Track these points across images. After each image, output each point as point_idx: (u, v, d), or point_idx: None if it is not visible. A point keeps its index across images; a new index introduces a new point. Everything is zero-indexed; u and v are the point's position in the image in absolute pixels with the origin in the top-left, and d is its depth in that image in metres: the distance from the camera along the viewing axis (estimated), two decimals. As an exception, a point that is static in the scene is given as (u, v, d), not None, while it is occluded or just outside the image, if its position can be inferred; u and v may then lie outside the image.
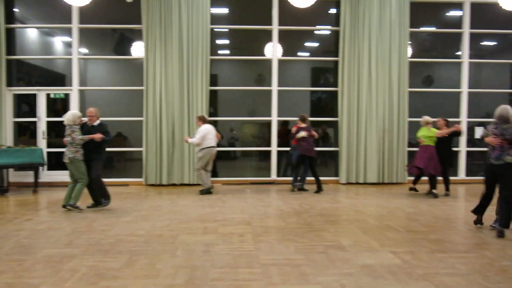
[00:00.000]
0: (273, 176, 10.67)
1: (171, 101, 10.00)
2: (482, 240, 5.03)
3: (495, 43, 13.06)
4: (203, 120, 8.76)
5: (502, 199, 5.29)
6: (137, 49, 10.76)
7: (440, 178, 8.54)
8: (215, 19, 10.73)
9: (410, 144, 10.86)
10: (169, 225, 5.79)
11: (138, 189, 9.47)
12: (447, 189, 8.59)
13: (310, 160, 8.95)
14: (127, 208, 7.12)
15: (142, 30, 10.03)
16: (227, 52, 14.40)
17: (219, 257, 4.34)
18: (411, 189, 9.06)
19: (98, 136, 6.77)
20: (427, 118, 8.66)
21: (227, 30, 12.23)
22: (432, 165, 8.19)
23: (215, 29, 11.00)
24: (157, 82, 9.98)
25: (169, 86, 10.01)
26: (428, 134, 8.47)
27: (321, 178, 9.07)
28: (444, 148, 8.40)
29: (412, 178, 9.40)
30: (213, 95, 13.56)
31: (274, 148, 10.68)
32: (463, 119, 10.98)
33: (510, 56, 12.26)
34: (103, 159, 7.00)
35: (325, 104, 12.87)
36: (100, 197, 7.02)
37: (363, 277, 3.74)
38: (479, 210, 5.72)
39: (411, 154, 11.02)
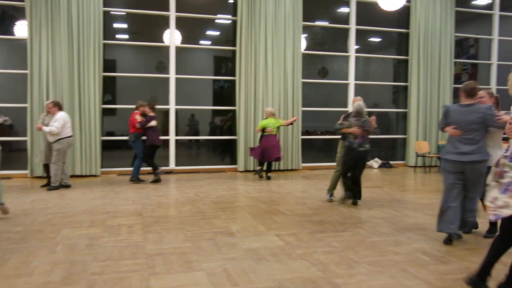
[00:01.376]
0: (172, 165, 10.52)
1: (59, 87, 9.33)
2: (359, 220, 5.45)
3: (380, 39, 14.11)
4: (59, 106, 7.92)
5: (353, 179, 6.36)
6: (21, 29, 9.84)
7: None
8: (110, 2, 10.21)
9: (304, 132, 11.38)
10: (52, 220, 5.44)
11: (22, 182, 8.75)
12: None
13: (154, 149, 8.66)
14: (6, 203, 6.54)
15: (26, 7, 9.19)
16: (126, 36, 13.80)
17: (102, 250, 4.18)
18: (260, 175, 9.46)
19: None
20: (271, 109, 9.33)
21: (124, 14, 11.71)
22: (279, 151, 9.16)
23: (111, 12, 10.47)
24: (43, 66, 9.24)
25: (57, 71, 9.33)
26: (276, 124, 9.16)
27: (220, 166, 9.16)
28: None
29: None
30: (110, 82, 12.92)
31: (172, 137, 10.51)
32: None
33: (393, 52, 13.33)
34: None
35: (227, 93, 12.95)
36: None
37: (246, 261, 3.85)
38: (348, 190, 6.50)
39: (305, 142, 11.57)
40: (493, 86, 13.17)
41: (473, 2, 13.28)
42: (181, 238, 4.57)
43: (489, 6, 13.12)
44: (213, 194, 7.41)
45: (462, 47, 13.63)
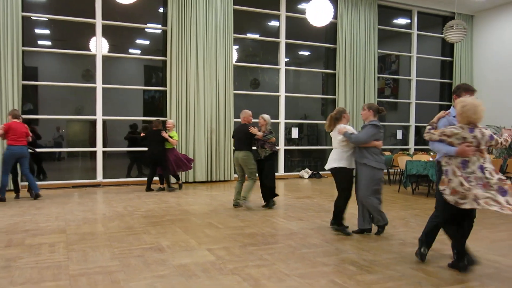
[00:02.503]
0: (99, 178, 10.08)
1: (-27, 96, 8.63)
2: (289, 231, 5.54)
3: (309, 53, 14.58)
4: None
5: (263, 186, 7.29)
6: None
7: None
8: (30, 6, 9.65)
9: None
10: (-38, 241, 4.98)
11: None
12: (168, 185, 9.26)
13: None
14: None
15: None
16: (49, 43, 13.08)
17: (20, 272, 3.88)
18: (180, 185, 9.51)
19: None
20: (173, 121, 9.39)
21: (46, 19, 11.10)
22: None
23: (32, 18, 9.89)
24: (-45, 73, 8.51)
25: (-30, 79, 8.63)
26: (176, 137, 9.23)
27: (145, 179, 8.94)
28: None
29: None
30: (31, 91, 12.17)
31: (99, 149, 10.09)
32: (281, 120, 11.98)
33: (322, 65, 13.84)
34: None
35: (159, 103, 12.66)
36: None
37: (176, 278, 3.76)
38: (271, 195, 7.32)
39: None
40: (413, 100, 14.10)
41: (394, 21, 14.18)
42: (108, 256, 4.37)
43: (408, 26, 14.08)
44: (143, 207, 7.19)
45: (384, 63, 14.48)
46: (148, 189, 9.13)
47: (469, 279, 3.78)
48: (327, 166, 5.46)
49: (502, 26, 13.80)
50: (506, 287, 3.63)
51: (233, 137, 7.53)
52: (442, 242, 5.00)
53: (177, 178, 9.45)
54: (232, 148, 11.06)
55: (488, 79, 14.18)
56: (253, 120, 7.58)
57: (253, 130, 7.10)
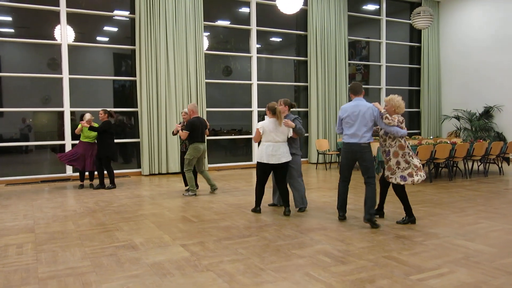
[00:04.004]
0: (69, 172, 9.82)
1: None
2: (264, 223, 5.52)
3: (280, 39, 14.49)
4: None
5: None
6: None
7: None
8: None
9: (211, 131, 11.31)
10: None
11: None
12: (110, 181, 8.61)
13: None
14: None
15: None
16: (12, 31, 12.53)
17: (-14, 278, 3.73)
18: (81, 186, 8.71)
19: None
20: (89, 115, 8.48)
21: (8, 6, 10.60)
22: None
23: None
24: None
25: None
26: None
27: (123, 171, 8.74)
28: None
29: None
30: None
31: (68, 142, 9.81)
32: (254, 109, 11.92)
33: (293, 52, 13.78)
34: None
35: (129, 93, 12.37)
36: None
37: (150, 277, 3.68)
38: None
39: (211, 142, 11.53)
40: (383, 85, 14.25)
41: (364, 7, 14.22)
42: (79, 256, 4.25)
43: (377, 12, 14.15)
44: (115, 202, 7.05)
45: (355, 49, 14.54)
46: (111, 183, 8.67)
47: (440, 266, 3.86)
48: (280, 161, 5.86)
49: (468, 13, 14.03)
50: (476, 272, 3.72)
51: (191, 130, 7.41)
52: (414, 229, 5.09)
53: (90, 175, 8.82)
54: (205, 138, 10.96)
55: (455, 64, 14.46)
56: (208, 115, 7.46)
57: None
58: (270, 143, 5.87)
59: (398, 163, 5.31)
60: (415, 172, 5.27)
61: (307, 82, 12.66)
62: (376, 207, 5.70)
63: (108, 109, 8.45)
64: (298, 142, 6.26)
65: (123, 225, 5.51)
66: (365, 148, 5.37)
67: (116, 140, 10.79)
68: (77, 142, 8.67)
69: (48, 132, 12.41)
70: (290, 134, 5.98)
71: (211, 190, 7.87)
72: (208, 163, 11.15)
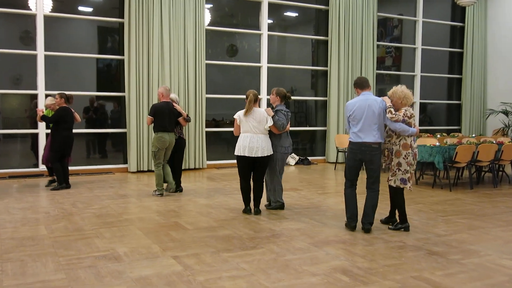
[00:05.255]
0: (42, 166, 9.88)
1: None
2: (271, 233, 5.52)
3: (296, 14, 14.43)
4: None
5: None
6: None
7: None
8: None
9: (211, 122, 11.35)
10: None
11: None
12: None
13: None
14: None
15: None
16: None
17: None
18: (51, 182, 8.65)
19: None
20: (50, 99, 8.41)
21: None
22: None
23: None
24: None
25: None
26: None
27: (106, 167, 8.78)
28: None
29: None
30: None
31: (42, 131, 9.86)
32: (264, 96, 11.90)
33: (311, 31, 13.72)
34: None
35: (116, 74, 12.41)
36: None
37: (135, 294, 3.70)
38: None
39: (211, 135, 11.55)
40: (418, 72, 14.16)
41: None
42: (52, 268, 4.28)
43: (414, -17, 14.04)
44: (96, 204, 7.08)
45: (385, 28, 14.45)
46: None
47: (480, 291, 3.83)
48: (255, 154, 6.21)
49: (523, -14, 13.88)
50: (523, 300, 3.69)
51: (153, 115, 7.54)
52: (450, 245, 5.06)
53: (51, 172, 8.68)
54: (204, 130, 10.98)
55: (504, 49, 14.32)
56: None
57: (178, 107, 7.80)
58: (248, 134, 6.24)
59: (399, 164, 5.50)
60: (411, 178, 5.61)
61: (326, 66, 12.61)
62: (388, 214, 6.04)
63: (66, 93, 8.26)
64: (282, 139, 6.52)
65: (104, 231, 5.53)
66: (375, 148, 5.47)
67: (98, 130, 10.89)
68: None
69: (19, 118, 12.45)
70: (268, 125, 6.25)
71: (167, 188, 7.93)
72: (207, 160, 11.17)
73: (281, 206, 6.77)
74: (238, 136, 6.43)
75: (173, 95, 8.07)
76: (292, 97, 12.89)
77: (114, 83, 11.39)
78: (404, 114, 5.37)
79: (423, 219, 6.32)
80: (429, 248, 4.99)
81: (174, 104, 7.76)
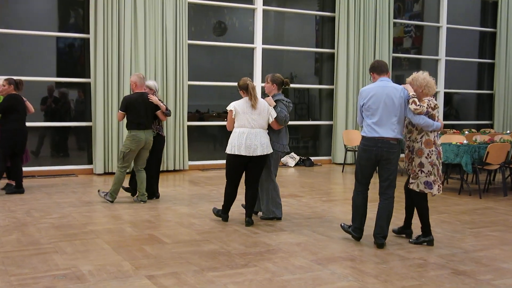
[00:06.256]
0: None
1: None
2: (266, 248, 5.53)
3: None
4: None
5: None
6: None
7: None
8: None
9: (194, 114, 11.33)
10: None
11: None
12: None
13: None
14: None
15: None
16: None
17: None
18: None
19: None
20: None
21: None
22: None
23: None
24: None
25: None
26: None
27: (67, 167, 8.74)
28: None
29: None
30: None
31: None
32: (258, 83, 11.89)
33: (314, 5, 13.72)
34: None
35: (79, 57, 12.38)
36: None
37: (101, 321, 3.70)
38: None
39: (194, 130, 11.54)
40: (442, 56, 14.21)
41: None
42: (1, 289, 4.28)
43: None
44: (55, 212, 7.07)
45: (403, 3, 14.49)
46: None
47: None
48: (255, 153, 6.23)
49: None
50: None
51: (125, 109, 7.54)
52: (479, 263, 5.08)
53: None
54: (185, 124, 10.96)
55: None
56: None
57: (155, 99, 7.72)
58: (245, 129, 6.21)
59: (421, 164, 5.52)
60: (438, 180, 5.58)
61: (333, 48, 12.62)
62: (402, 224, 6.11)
63: (15, 78, 8.19)
64: (281, 135, 6.65)
65: (65, 245, 5.52)
66: (393, 145, 5.49)
67: (58, 124, 10.84)
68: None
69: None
70: (272, 118, 6.36)
71: (136, 198, 7.78)
72: (189, 160, 11.15)
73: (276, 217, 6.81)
74: (230, 132, 6.43)
75: (151, 82, 8.07)
76: (291, 85, 12.96)
77: (78, 67, 11.35)
78: (428, 105, 5.39)
79: (448, 231, 6.35)
80: (454, 266, 5.02)
81: (150, 95, 7.66)
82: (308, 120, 13.77)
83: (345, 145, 11.76)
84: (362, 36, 12.58)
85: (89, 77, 10.33)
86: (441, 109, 14.34)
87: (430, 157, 5.49)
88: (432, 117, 5.46)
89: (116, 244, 5.57)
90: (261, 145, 6.22)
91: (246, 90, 6.29)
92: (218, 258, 5.16)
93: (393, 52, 13.22)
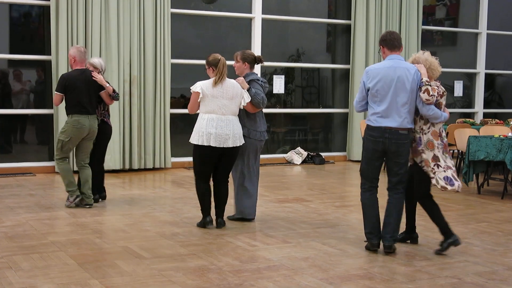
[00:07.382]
0: None
1: None
2: (265, 263, 5.55)
3: None
4: None
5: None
6: None
7: None
8: None
9: (177, 100, 11.35)
10: None
11: None
12: None
13: None
14: None
15: None
16: None
17: None
18: None
19: None
20: None
21: None
22: None
23: None
24: None
25: None
26: None
27: (23, 165, 8.77)
28: None
29: None
30: None
31: None
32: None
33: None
34: None
35: (37, 30, 12.40)
36: None
37: None
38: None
39: (178, 119, 11.55)
40: (483, 29, 14.21)
41: None
42: None
43: None
44: (8, 219, 7.10)
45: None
46: None
47: None
48: (226, 144, 6.37)
49: None
50: None
51: (63, 91, 7.58)
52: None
53: None
54: (168, 112, 10.96)
55: None
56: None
57: (100, 77, 7.69)
58: (214, 115, 6.30)
59: (436, 158, 5.63)
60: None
61: (349, 19, 12.62)
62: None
63: None
64: (257, 120, 6.88)
65: (20, 259, 5.53)
66: (403, 136, 5.61)
67: (12, 111, 10.86)
68: None
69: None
70: (244, 102, 6.54)
71: (82, 202, 7.77)
72: (171, 156, 11.15)
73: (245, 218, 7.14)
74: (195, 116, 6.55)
75: (95, 60, 8.05)
76: (299, 64, 13.01)
77: (36, 42, 11.36)
78: (437, 92, 5.48)
79: (488, 244, 6.36)
80: (495, 286, 5.04)
81: (94, 73, 7.63)
82: (319, 107, 13.76)
83: (362, 137, 11.76)
84: (384, 4, 12.58)
85: (49, 53, 10.33)
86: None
87: (441, 149, 5.61)
88: (438, 105, 5.57)
89: (82, 259, 5.58)
90: (233, 136, 6.38)
91: (216, 67, 6.35)
92: (206, 275, 5.18)
93: (423, 24, 13.21)
